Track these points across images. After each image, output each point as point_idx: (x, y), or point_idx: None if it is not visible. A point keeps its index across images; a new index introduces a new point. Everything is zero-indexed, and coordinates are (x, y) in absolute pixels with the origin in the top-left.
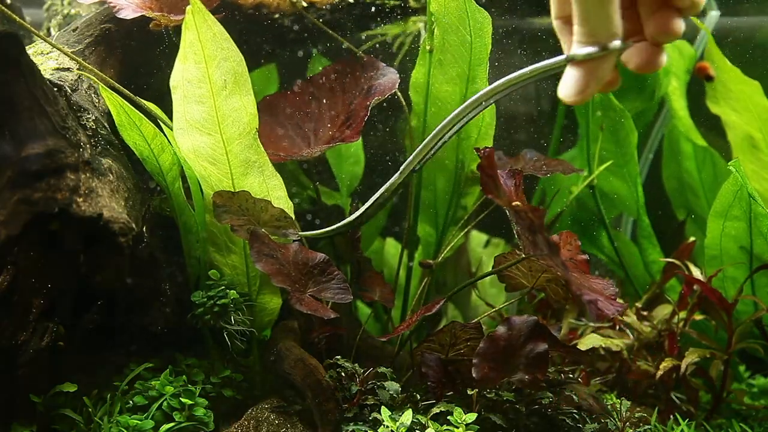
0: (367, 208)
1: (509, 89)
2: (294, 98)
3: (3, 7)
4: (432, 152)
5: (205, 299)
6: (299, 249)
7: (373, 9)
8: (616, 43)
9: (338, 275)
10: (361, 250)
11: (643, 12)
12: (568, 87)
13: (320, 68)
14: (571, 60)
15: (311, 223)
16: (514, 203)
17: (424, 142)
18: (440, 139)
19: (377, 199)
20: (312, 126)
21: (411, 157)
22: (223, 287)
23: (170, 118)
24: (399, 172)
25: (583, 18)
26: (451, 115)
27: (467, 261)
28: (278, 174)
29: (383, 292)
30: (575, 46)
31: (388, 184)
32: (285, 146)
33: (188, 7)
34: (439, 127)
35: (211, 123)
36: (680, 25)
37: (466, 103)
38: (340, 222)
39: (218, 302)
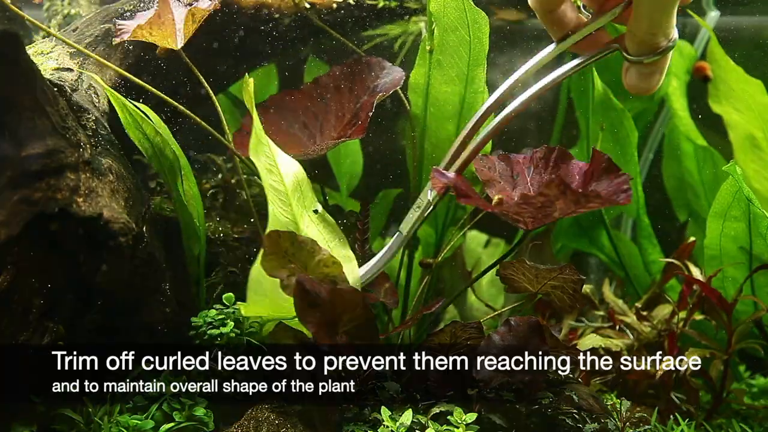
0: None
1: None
2: (301, 98)
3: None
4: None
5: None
6: None
7: (374, 10)
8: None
9: None
10: (370, 248)
11: None
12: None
13: (317, 71)
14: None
15: None
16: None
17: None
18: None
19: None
20: (318, 125)
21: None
22: None
23: (169, 118)
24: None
25: (652, 26)
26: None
27: (462, 260)
28: None
29: (387, 291)
30: (632, 46)
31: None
32: (291, 144)
33: None
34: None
35: None
36: None
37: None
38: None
39: None
